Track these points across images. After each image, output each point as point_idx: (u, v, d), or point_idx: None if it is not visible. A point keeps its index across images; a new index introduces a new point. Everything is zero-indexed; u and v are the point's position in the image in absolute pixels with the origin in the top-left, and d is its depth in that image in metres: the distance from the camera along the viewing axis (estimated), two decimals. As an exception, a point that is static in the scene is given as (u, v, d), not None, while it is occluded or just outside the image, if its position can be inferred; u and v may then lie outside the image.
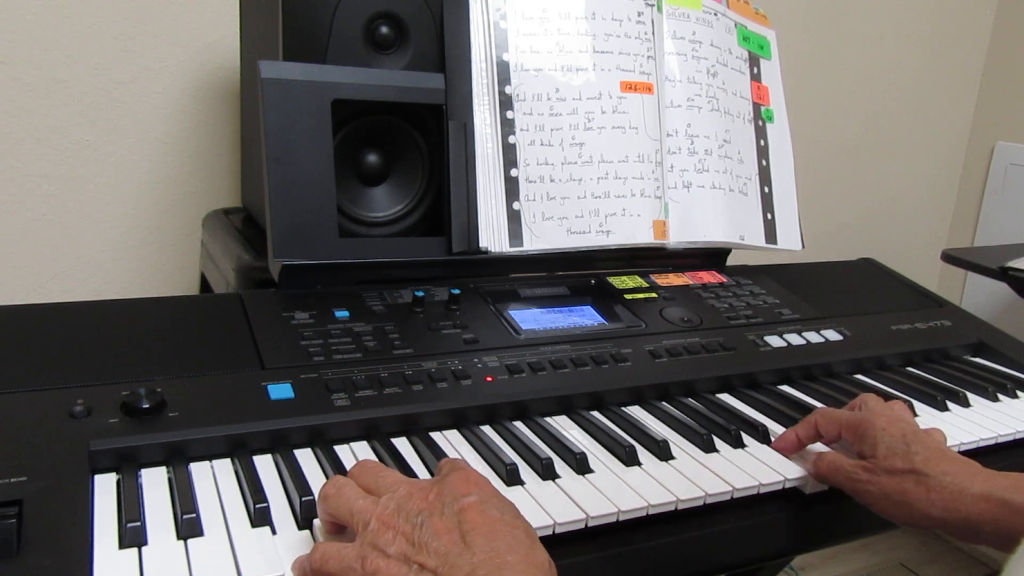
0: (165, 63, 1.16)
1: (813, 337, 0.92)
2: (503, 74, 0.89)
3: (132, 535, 0.51)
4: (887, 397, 0.82)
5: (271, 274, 0.83)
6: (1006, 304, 1.90)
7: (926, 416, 0.80)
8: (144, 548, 0.51)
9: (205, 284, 1.14)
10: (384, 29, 0.86)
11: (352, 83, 0.83)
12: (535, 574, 0.45)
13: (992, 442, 0.77)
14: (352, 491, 0.51)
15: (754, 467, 0.67)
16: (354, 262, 0.84)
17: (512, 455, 0.64)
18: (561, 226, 0.90)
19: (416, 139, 0.90)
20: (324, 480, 0.59)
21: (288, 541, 0.53)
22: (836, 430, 0.68)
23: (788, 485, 0.67)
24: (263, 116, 0.80)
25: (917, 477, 0.60)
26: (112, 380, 0.65)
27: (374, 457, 0.64)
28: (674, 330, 0.87)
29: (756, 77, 1.07)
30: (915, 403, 0.82)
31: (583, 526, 0.58)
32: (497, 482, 0.61)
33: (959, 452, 0.75)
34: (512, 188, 0.89)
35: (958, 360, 0.97)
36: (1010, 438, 0.79)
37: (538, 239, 0.89)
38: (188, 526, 0.52)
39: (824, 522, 0.69)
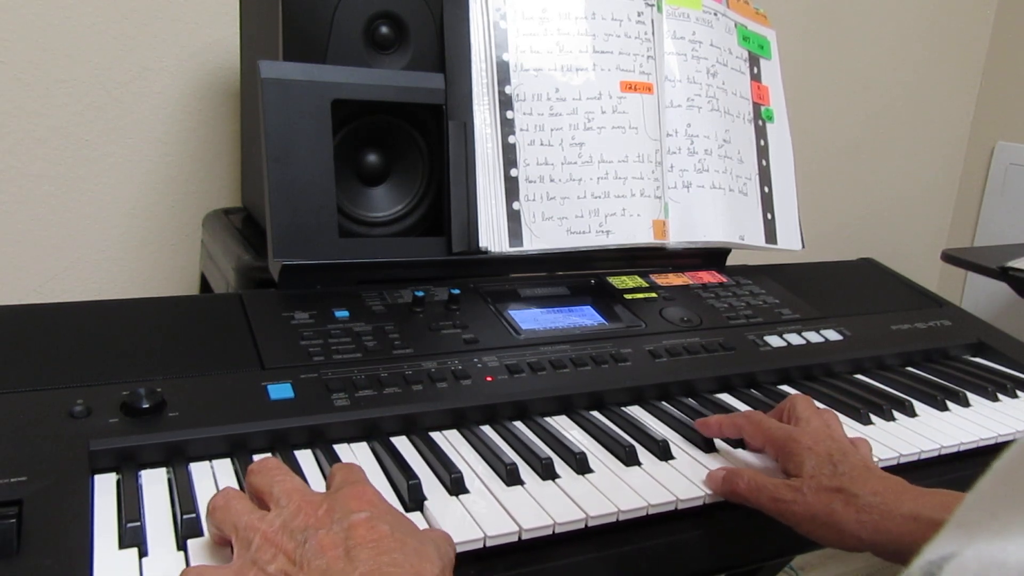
0: (165, 63, 1.16)
1: (813, 337, 0.92)
2: (503, 74, 0.89)
3: (132, 535, 0.51)
4: (881, 395, 0.82)
5: (271, 274, 0.83)
6: (1006, 304, 1.90)
7: (925, 416, 0.80)
8: (144, 548, 0.51)
9: (205, 284, 1.14)
10: (384, 29, 0.86)
11: (352, 83, 0.83)
12: None
13: (992, 442, 0.77)
14: (240, 505, 0.48)
15: (754, 467, 0.67)
16: (354, 262, 0.84)
17: (512, 455, 0.64)
18: (561, 226, 0.90)
19: (416, 139, 0.90)
20: (324, 481, 0.59)
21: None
22: (762, 443, 0.67)
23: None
24: (263, 116, 0.80)
25: (845, 497, 0.58)
26: (112, 380, 0.65)
27: (373, 457, 0.64)
28: (674, 330, 0.87)
29: (756, 77, 1.07)
30: (915, 403, 0.82)
31: (583, 526, 0.58)
32: (497, 482, 0.61)
33: (960, 453, 0.75)
34: (512, 188, 0.89)
35: (958, 360, 0.97)
36: (1010, 438, 0.79)
37: (538, 239, 0.89)
38: (188, 526, 0.52)
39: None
